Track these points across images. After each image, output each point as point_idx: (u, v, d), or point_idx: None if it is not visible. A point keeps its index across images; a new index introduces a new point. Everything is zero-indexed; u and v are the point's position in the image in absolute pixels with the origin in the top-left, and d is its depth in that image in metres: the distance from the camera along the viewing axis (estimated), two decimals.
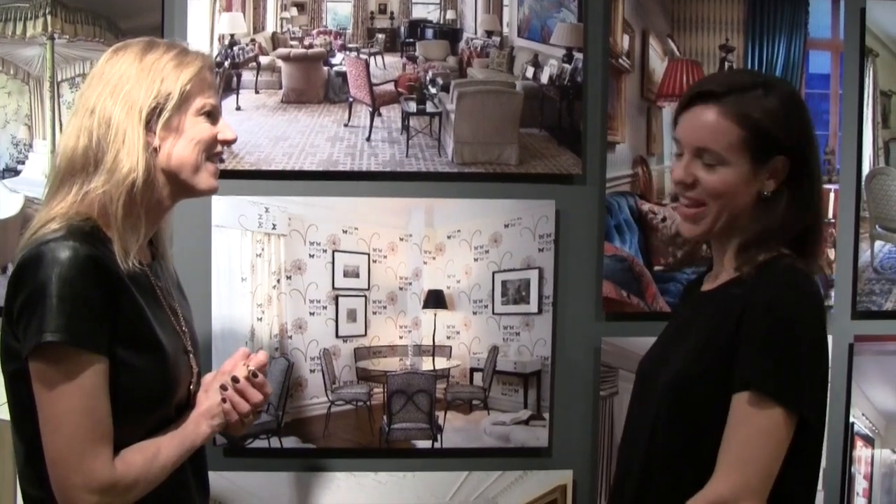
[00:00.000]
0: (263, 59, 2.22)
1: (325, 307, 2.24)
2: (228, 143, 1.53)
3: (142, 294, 1.41)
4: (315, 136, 2.22)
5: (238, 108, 2.20)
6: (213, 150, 1.50)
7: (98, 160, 1.38)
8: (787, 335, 1.34)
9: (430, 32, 2.27)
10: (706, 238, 1.54)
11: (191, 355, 1.53)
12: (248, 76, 2.21)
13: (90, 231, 1.37)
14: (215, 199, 2.15)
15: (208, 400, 1.50)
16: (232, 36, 2.20)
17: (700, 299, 1.55)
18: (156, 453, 1.41)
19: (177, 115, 1.43)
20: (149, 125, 1.41)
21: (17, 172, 2.17)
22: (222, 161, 2.15)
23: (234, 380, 1.49)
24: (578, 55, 2.26)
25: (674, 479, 1.43)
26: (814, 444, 1.45)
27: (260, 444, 2.22)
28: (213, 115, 1.49)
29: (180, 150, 1.45)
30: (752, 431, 1.34)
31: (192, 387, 1.52)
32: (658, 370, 1.50)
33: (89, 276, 1.31)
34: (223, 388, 1.49)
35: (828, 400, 1.48)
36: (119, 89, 1.40)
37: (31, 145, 2.17)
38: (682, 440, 1.42)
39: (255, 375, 1.50)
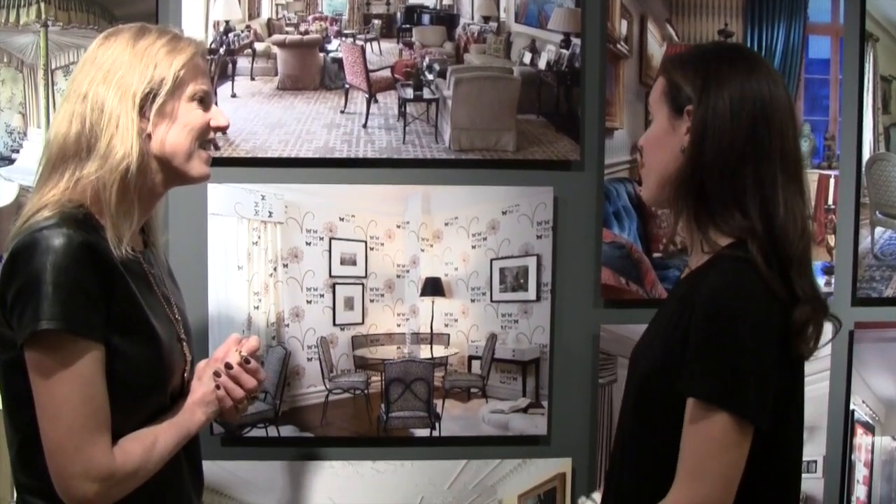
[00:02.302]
0: (259, 46, 2.20)
1: (322, 295, 2.23)
2: (221, 129, 1.53)
3: (135, 282, 1.40)
4: (311, 123, 2.20)
5: (233, 96, 2.19)
6: (206, 136, 1.49)
7: (91, 146, 1.37)
8: (727, 338, 1.27)
9: (426, 18, 2.25)
10: (659, 204, 1.49)
11: (184, 343, 1.52)
12: (243, 63, 2.20)
13: (83, 218, 1.36)
14: (211, 186, 2.14)
15: (202, 387, 1.49)
16: (227, 22, 2.18)
17: (674, 288, 1.52)
18: (153, 442, 1.40)
19: (170, 101, 1.42)
20: (142, 111, 1.40)
21: (11, 161, 2.15)
22: (217, 148, 2.15)
23: (228, 366, 1.49)
24: (576, 40, 2.24)
25: (640, 475, 1.40)
26: (783, 448, 1.38)
27: (257, 432, 2.22)
28: (205, 102, 1.48)
29: (174, 136, 1.44)
30: (703, 440, 1.28)
31: (185, 375, 1.51)
32: (638, 361, 1.47)
33: (84, 263, 1.30)
34: (216, 374, 1.49)
35: (801, 400, 1.41)
36: (112, 75, 1.39)
37: (25, 134, 2.16)
38: (645, 438, 1.39)
39: (247, 361, 1.49)
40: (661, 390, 1.36)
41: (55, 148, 1.39)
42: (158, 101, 1.40)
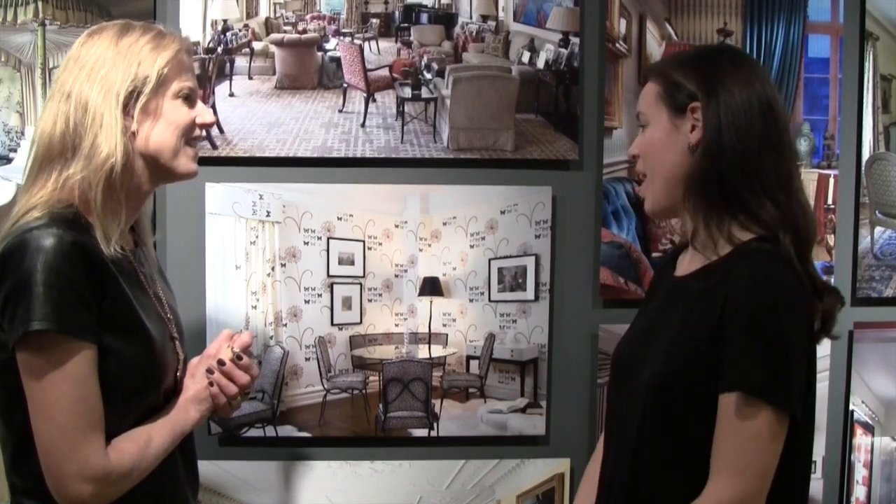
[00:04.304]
0: (257, 45, 2.20)
1: (319, 295, 2.22)
2: (207, 125, 1.51)
3: (126, 281, 1.39)
4: (309, 123, 2.20)
5: (231, 95, 2.19)
6: (191, 133, 1.48)
7: (76, 145, 1.36)
8: (774, 333, 1.28)
9: (424, 17, 2.25)
10: (665, 211, 1.48)
11: (177, 342, 1.51)
12: (241, 62, 2.19)
13: (73, 218, 1.35)
14: (209, 186, 2.14)
15: (195, 385, 1.49)
16: (225, 21, 2.18)
17: (673, 285, 1.49)
18: (147, 441, 1.40)
19: (154, 98, 1.41)
20: (126, 109, 1.39)
21: (8, 160, 2.15)
22: (215, 148, 2.15)
23: (220, 363, 1.48)
24: (575, 40, 2.24)
25: (665, 480, 1.38)
26: (804, 439, 1.39)
27: (255, 432, 2.21)
28: (190, 99, 1.47)
29: (158, 133, 1.43)
30: (746, 435, 1.28)
31: (178, 373, 1.51)
32: (637, 363, 1.45)
33: (75, 262, 1.29)
34: (209, 372, 1.48)
35: (816, 392, 1.41)
36: (95, 73, 1.38)
37: (22, 133, 2.15)
38: (672, 442, 1.37)
39: (239, 358, 1.49)
40: (685, 388, 1.35)
41: (41, 148, 1.38)
42: (142, 98, 1.39)
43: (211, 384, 1.48)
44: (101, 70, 1.38)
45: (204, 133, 1.57)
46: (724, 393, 1.30)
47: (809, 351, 1.36)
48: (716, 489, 1.31)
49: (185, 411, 1.47)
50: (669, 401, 1.37)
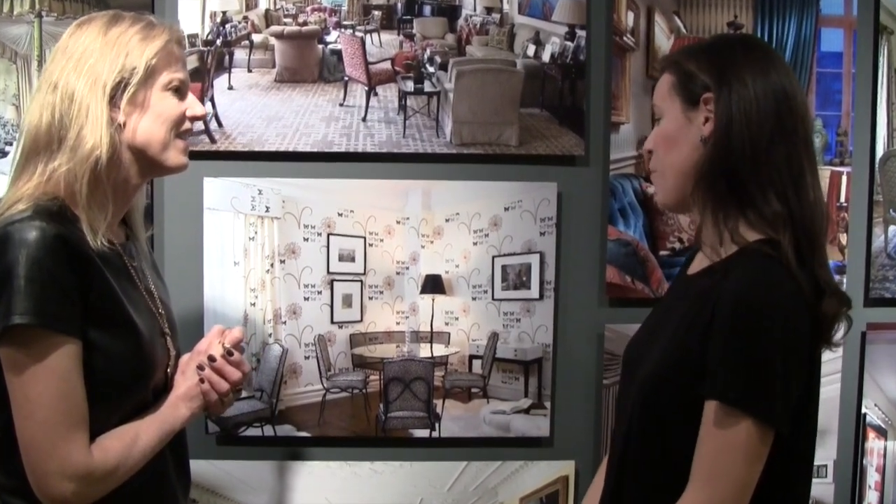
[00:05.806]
0: (256, 37, 2.17)
1: (319, 292, 2.19)
2: (197, 118, 1.49)
3: (114, 274, 1.37)
4: (309, 117, 2.16)
5: (230, 88, 2.15)
6: (181, 126, 1.45)
7: (62, 137, 1.34)
8: (756, 339, 1.23)
9: (427, 9, 2.21)
10: (677, 205, 1.44)
11: (168, 338, 1.49)
12: (240, 54, 2.16)
13: (58, 210, 1.33)
14: (207, 180, 2.11)
15: (186, 382, 1.46)
16: (224, 13, 2.15)
17: (683, 284, 1.47)
18: (134, 438, 1.37)
19: (142, 89, 1.39)
20: (113, 100, 1.37)
21: (4, 154, 2.13)
22: (214, 142, 2.12)
23: (211, 359, 1.46)
24: (581, 33, 2.19)
25: (647, 480, 1.35)
26: (801, 448, 1.35)
27: (253, 432, 2.18)
28: (181, 91, 1.44)
29: (147, 126, 1.40)
30: (721, 444, 1.24)
31: (169, 370, 1.48)
32: (639, 361, 1.42)
33: (58, 256, 1.27)
34: (200, 368, 1.46)
35: (818, 400, 1.37)
36: (82, 63, 1.35)
37: (19, 126, 2.13)
38: (655, 442, 1.34)
39: (230, 353, 1.46)
40: (674, 390, 1.31)
41: (28, 140, 1.37)
42: (130, 90, 1.37)
43: (202, 381, 1.45)
44: (88, 61, 1.36)
45: (196, 126, 1.54)
46: (707, 400, 1.27)
47: (808, 360, 1.30)
48: (689, 498, 1.27)
49: (175, 408, 1.44)
50: (659, 401, 1.34)
